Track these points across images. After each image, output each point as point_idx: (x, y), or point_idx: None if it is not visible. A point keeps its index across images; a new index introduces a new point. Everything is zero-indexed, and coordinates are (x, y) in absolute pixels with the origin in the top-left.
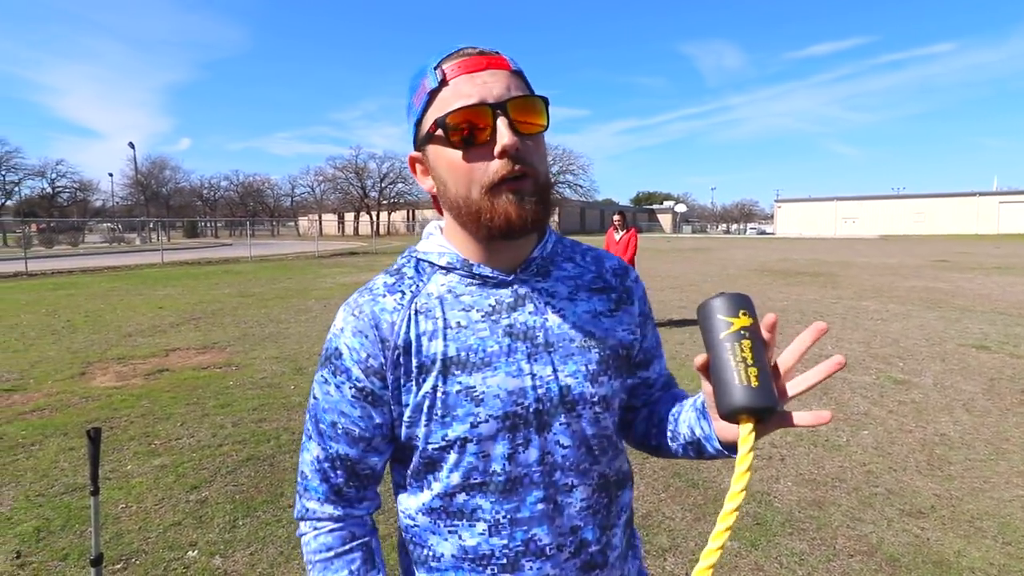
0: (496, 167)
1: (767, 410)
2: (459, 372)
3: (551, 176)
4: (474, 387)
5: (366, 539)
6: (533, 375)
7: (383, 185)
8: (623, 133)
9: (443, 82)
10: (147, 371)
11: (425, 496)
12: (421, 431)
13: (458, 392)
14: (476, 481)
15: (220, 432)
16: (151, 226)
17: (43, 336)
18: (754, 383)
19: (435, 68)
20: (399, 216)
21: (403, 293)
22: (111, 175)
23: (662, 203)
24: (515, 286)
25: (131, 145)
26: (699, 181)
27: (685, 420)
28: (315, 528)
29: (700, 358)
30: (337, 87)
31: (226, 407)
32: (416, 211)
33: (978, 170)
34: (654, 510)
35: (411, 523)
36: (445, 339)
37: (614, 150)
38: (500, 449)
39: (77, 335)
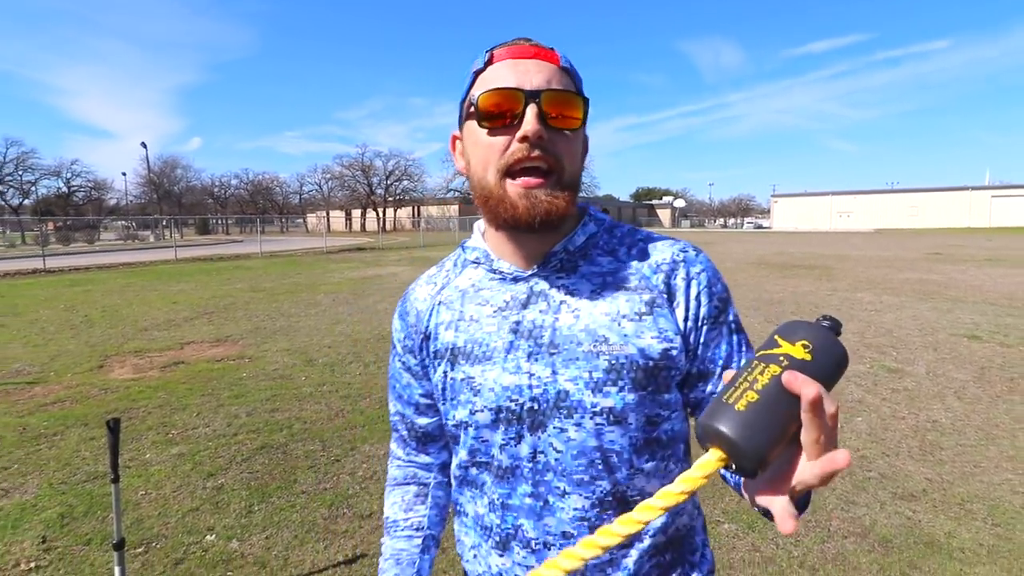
0: (514, 149)
1: (735, 446)
2: (464, 362)
3: (575, 177)
4: (474, 378)
5: (426, 481)
6: (531, 374)
7: (389, 182)
8: (623, 130)
9: (488, 63)
10: (163, 363)
11: (455, 461)
12: (443, 408)
13: (461, 380)
14: (481, 460)
15: (235, 422)
16: (164, 223)
17: (62, 331)
18: (740, 406)
19: (487, 51)
20: (404, 212)
21: (435, 285)
22: (125, 174)
23: (661, 198)
24: (532, 282)
25: (144, 145)
26: (697, 177)
27: None
28: (390, 463)
29: (728, 373)
30: (344, 87)
31: (240, 398)
32: (421, 207)
33: (971, 164)
34: None
35: (454, 481)
36: (457, 330)
37: (614, 147)
38: (496, 438)
39: (95, 329)
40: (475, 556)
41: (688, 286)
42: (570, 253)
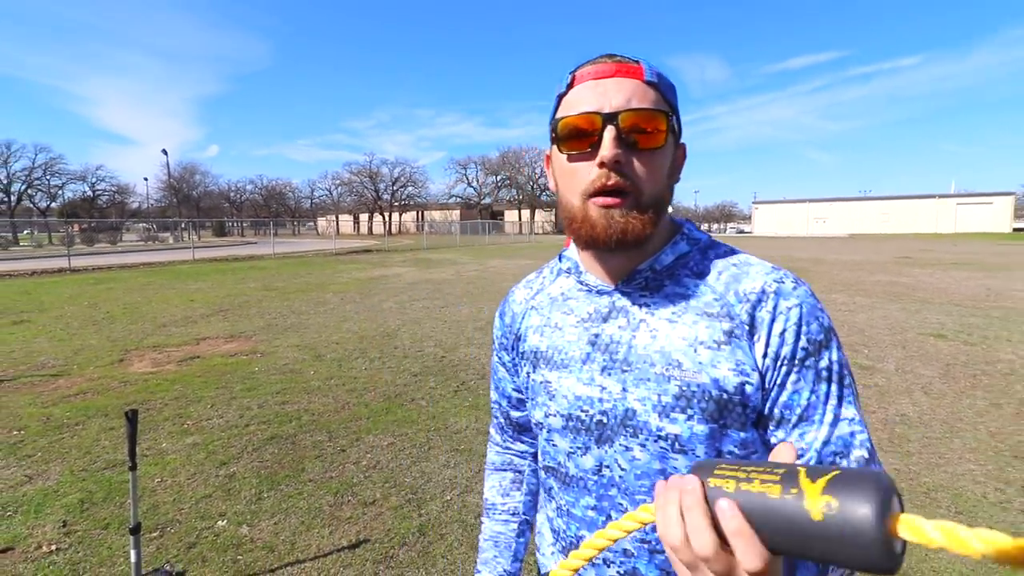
0: (594, 176)
1: None
2: (544, 366)
3: (659, 195)
4: (551, 383)
5: (521, 468)
6: (602, 387)
7: (395, 188)
8: None
9: (570, 86)
10: (180, 358)
11: (538, 462)
12: (527, 406)
13: (540, 383)
14: (549, 464)
15: (246, 413)
16: (183, 226)
17: (85, 326)
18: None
19: (570, 73)
20: (409, 216)
21: (531, 289)
22: (146, 179)
23: None
24: (615, 297)
25: (164, 152)
26: (684, 184)
27: None
28: (489, 446)
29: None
30: (353, 98)
31: (252, 391)
32: (424, 212)
33: (938, 174)
34: None
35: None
36: (542, 335)
37: None
38: (564, 444)
39: (116, 325)
40: (548, 553)
41: (773, 320)
42: (656, 272)
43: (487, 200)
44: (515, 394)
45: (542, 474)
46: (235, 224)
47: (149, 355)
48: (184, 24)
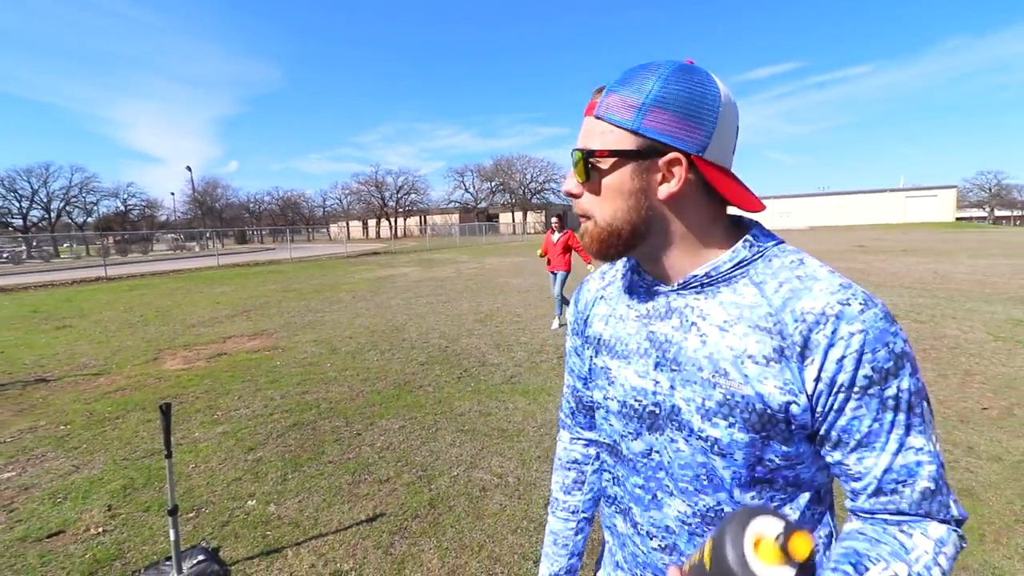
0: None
1: None
2: (606, 353)
3: (621, 215)
4: (610, 369)
5: (584, 468)
6: (656, 381)
7: (399, 196)
8: None
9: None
10: (208, 355)
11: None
12: (590, 385)
13: (601, 368)
14: (605, 440)
15: (270, 403)
16: (207, 235)
17: (122, 329)
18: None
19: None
20: (413, 221)
21: (603, 280)
22: (173, 194)
23: None
24: (671, 297)
25: (188, 168)
26: None
27: None
28: (558, 442)
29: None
30: (359, 115)
31: (275, 383)
32: (426, 216)
33: (889, 171)
34: None
35: None
36: (607, 324)
37: None
38: (618, 426)
39: (150, 327)
40: (604, 514)
41: (831, 346)
42: (711, 277)
43: (483, 204)
44: (586, 376)
45: (601, 447)
46: (255, 232)
47: (180, 353)
48: (207, 52)
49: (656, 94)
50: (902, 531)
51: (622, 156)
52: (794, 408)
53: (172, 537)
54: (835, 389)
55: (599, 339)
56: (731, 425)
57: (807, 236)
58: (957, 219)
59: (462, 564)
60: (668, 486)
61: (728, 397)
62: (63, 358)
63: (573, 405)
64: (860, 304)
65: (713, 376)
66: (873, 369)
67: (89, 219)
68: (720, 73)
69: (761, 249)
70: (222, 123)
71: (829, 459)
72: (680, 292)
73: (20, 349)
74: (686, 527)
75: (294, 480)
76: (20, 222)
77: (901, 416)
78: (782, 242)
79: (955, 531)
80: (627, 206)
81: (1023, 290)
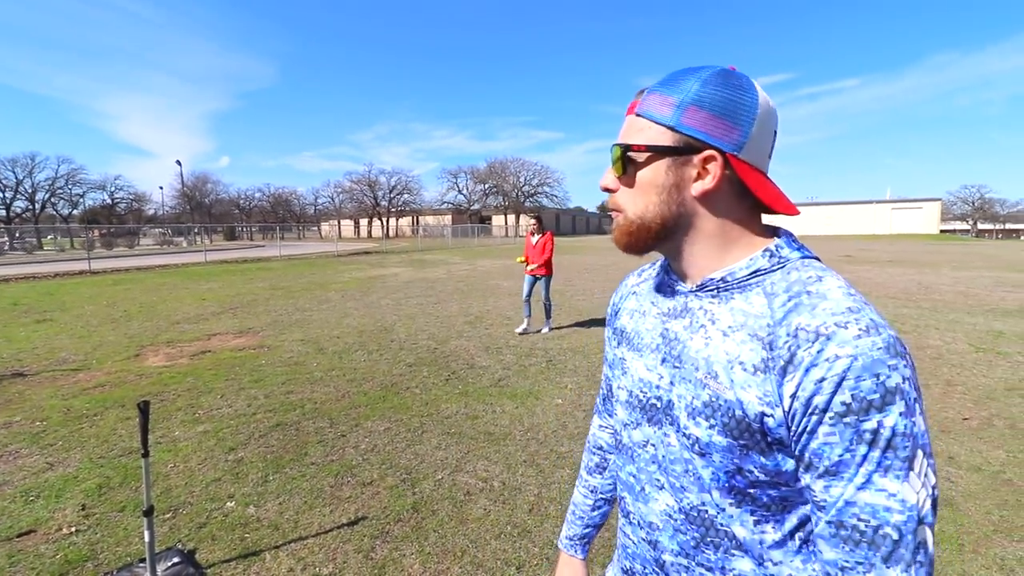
0: None
1: None
2: (626, 345)
3: (653, 211)
4: (626, 360)
5: (608, 455)
6: (660, 376)
7: (392, 195)
8: (591, 152)
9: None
10: (192, 353)
11: None
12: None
13: (619, 358)
14: (616, 427)
15: (254, 403)
16: (196, 231)
17: (104, 324)
18: None
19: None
20: (405, 221)
21: (641, 277)
22: (161, 188)
23: None
24: (688, 298)
25: (178, 163)
26: None
27: None
28: (592, 422)
29: None
30: (354, 114)
31: (259, 382)
32: (419, 217)
33: (876, 182)
34: None
35: None
36: (631, 317)
37: (583, 166)
38: (623, 415)
39: (133, 323)
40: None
41: (813, 365)
42: (727, 283)
43: (476, 206)
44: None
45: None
46: (245, 229)
47: (163, 350)
48: (200, 46)
49: (695, 93)
50: None
51: (658, 151)
52: (769, 421)
53: (147, 538)
54: (809, 410)
55: (622, 331)
56: (712, 427)
57: None
58: (941, 231)
59: (444, 569)
60: (659, 479)
61: (713, 399)
62: (42, 352)
63: (605, 392)
64: (859, 329)
65: (705, 377)
66: (853, 397)
67: (75, 211)
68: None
69: (782, 261)
70: (214, 118)
71: (802, 482)
72: (696, 294)
73: None
74: (671, 522)
75: (275, 481)
76: (3, 213)
77: (876, 453)
78: (813, 257)
79: None
80: (659, 200)
81: (1004, 302)
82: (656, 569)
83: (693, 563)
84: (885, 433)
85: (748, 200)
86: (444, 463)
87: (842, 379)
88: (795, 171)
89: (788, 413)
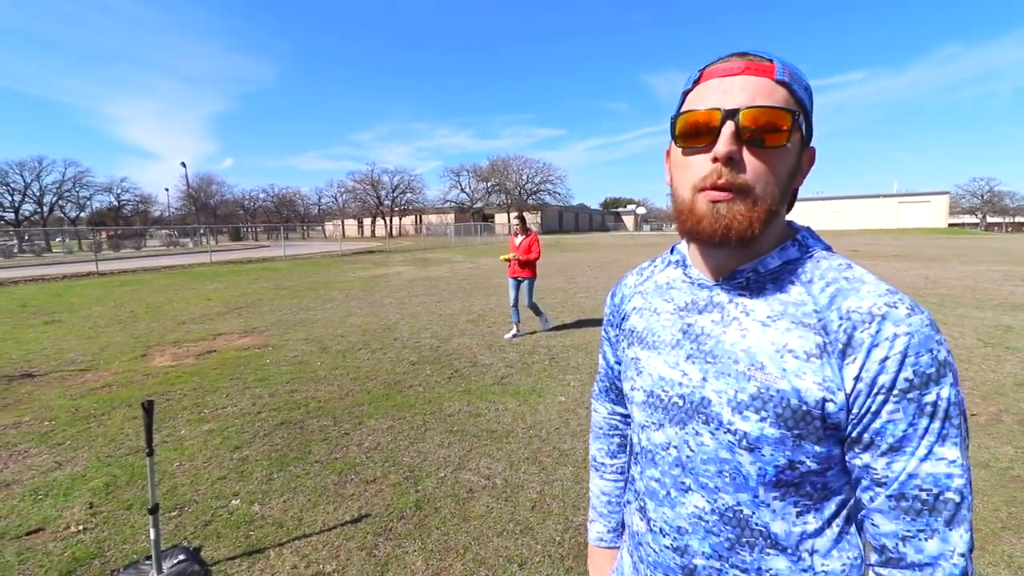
0: (707, 171)
1: None
2: (638, 345)
3: (774, 196)
4: (640, 360)
5: (625, 432)
6: (684, 373)
7: (395, 195)
8: (593, 149)
9: (696, 82)
10: (198, 352)
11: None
12: (622, 376)
13: (631, 359)
14: (633, 431)
15: (258, 401)
16: (201, 232)
17: (111, 325)
18: None
19: (699, 70)
20: (408, 220)
21: (641, 276)
22: (167, 190)
23: (626, 206)
24: (714, 292)
25: (183, 164)
26: (656, 187)
27: None
28: (594, 413)
29: None
30: (356, 114)
31: (264, 381)
32: (422, 216)
33: (882, 176)
34: None
35: None
36: (641, 316)
37: (585, 163)
38: (640, 417)
39: (140, 323)
40: (627, 512)
41: (875, 346)
42: (759, 274)
43: (479, 204)
44: (616, 366)
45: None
46: (249, 229)
47: (170, 350)
48: (201, 49)
49: (808, 86)
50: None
51: (803, 132)
52: (830, 406)
53: (152, 536)
54: (875, 390)
55: (633, 331)
56: (763, 419)
57: None
58: (950, 225)
59: (446, 566)
60: (684, 482)
61: (762, 391)
62: (50, 353)
63: (607, 384)
64: (907, 308)
65: (748, 369)
66: (915, 373)
67: (82, 214)
68: None
69: (810, 251)
70: (217, 120)
71: (857, 462)
72: (724, 287)
73: (7, 343)
74: (702, 524)
75: (279, 480)
76: (12, 216)
77: (936, 424)
78: (830, 248)
79: None
80: (786, 185)
81: (1013, 296)
82: (681, 570)
83: (727, 565)
84: (943, 405)
85: None
86: (447, 461)
87: (904, 357)
88: None
89: (851, 396)
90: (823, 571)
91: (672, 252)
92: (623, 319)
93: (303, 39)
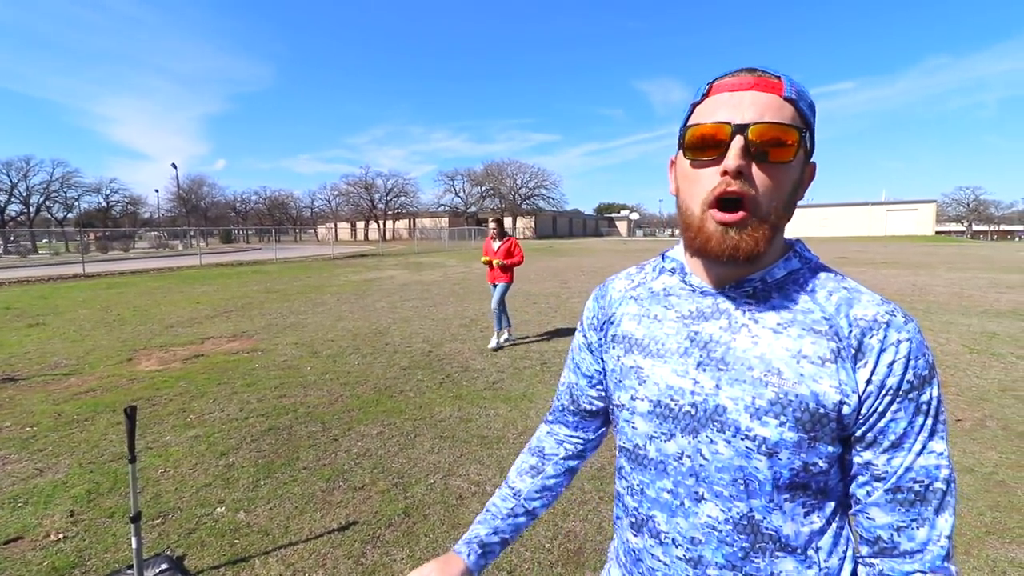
0: (715, 184)
1: None
2: (637, 352)
3: (779, 211)
4: (642, 368)
5: (546, 459)
6: (696, 381)
7: (388, 198)
8: (587, 155)
9: (706, 95)
10: (185, 356)
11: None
12: (609, 387)
13: (630, 367)
14: (625, 444)
15: (246, 407)
16: (192, 234)
17: (97, 328)
18: None
19: (708, 83)
20: (402, 224)
21: (632, 281)
22: (157, 191)
23: (619, 212)
24: (720, 299)
25: (174, 166)
26: (649, 194)
27: None
28: (540, 426)
29: None
30: (351, 117)
31: (252, 386)
32: (416, 219)
33: (871, 184)
34: None
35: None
36: (639, 323)
37: (580, 169)
38: (645, 427)
39: (126, 327)
40: (619, 526)
41: (883, 351)
42: (766, 284)
43: (473, 208)
44: (596, 375)
45: (617, 452)
46: (241, 232)
47: (156, 354)
48: (195, 49)
49: (812, 103)
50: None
51: (807, 148)
52: (845, 408)
53: (134, 545)
54: (883, 392)
55: (629, 338)
56: (782, 424)
57: None
58: (936, 233)
59: None
60: (698, 492)
61: (781, 396)
62: (34, 357)
63: (566, 403)
64: (903, 317)
65: (765, 375)
66: (915, 375)
67: (70, 215)
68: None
69: (808, 261)
70: (210, 121)
71: (858, 459)
72: (729, 295)
73: None
74: (716, 534)
75: (266, 487)
76: None
77: (929, 421)
78: (819, 260)
79: None
80: (791, 200)
81: (998, 304)
82: None
83: (740, 574)
84: (934, 403)
85: None
86: (437, 467)
87: (908, 360)
88: None
89: (862, 397)
90: (826, 568)
91: (664, 259)
92: (609, 323)
93: (299, 41)
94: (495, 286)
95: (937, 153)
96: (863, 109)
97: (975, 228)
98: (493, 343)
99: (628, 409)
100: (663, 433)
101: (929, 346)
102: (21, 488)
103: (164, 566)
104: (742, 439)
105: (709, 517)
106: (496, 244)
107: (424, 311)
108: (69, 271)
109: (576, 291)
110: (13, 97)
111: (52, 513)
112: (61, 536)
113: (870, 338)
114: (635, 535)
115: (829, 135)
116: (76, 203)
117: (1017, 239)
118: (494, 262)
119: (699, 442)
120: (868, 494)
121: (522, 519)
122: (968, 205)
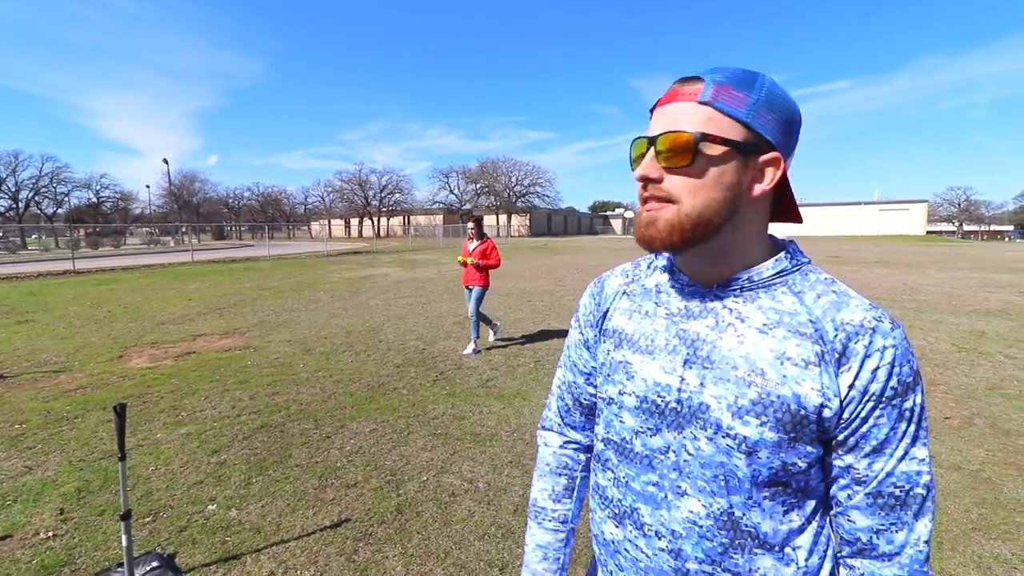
0: (639, 189)
1: None
2: (627, 348)
3: (706, 208)
4: (631, 364)
5: (575, 475)
6: (682, 378)
7: (383, 195)
8: (582, 152)
9: (652, 111)
10: (177, 354)
11: (596, 434)
12: (599, 381)
13: (619, 362)
14: (611, 436)
15: (238, 404)
16: (183, 230)
17: (87, 325)
18: None
19: (656, 100)
20: (396, 221)
21: (627, 277)
22: (148, 187)
23: (614, 210)
24: (708, 298)
25: (165, 161)
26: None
27: None
28: (543, 447)
29: None
30: (346, 113)
31: (244, 383)
32: (410, 216)
33: (864, 184)
34: None
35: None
36: (630, 319)
37: (575, 167)
38: (632, 422)
39: (117, 324)
40: (594, 520)
41: (867, 356)
42: (753, 282)
43: (468, 206)
44: (592, 371)
45: (599, 445)
46: (233, 228)
47: (147, 351)
48: (188, 43)
49: (767, 94)
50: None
51: (734, 146)
52: (826, 411)
53: (124, 543)
54: (866, 397)
55: (620, 333)
56: (763, 424)
57: None
58: (928, 232)
59: (427, 571)
60: (681, 486)
61: (763, 396)
62: (23, 354)
63: (568, 403)
64: (890, 323)
65: (748, 375)
66: (899, 382)
67: (59, 210)
68: None
69: (799, 263)
70: (202, 116)
71: (839, 462)
72: (717, 294)
73: None
74: (696, 529)
75: (258, 484)
76: None
77: (912, 427)
78: (811, 262)
79: None
80: (722, 197)
81: (987, 303)
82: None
83: (719, 569)
84: (917, 410)
85: (774, 205)
86: (430, 464)
87: (892, 367)
88: None
89: (844, 401)
90: (805, 567)
91: (658, 257)
92: (604, 318)
93: (294, 37)
94: (470, 290)
95: (930, 153)
96: (857, 109)
97: (966, 228)
98: (469, 349)
99: (616, 403)
100: (649, 428)
101: (915, 352)
102: (10, 486)
103: (155, 564)
104: (723, 437)
105: (690, 512)
106: (473, 245)
107: (418, 308)
108: (59, 267)
109: (570, 289)
110: (0, 90)
111: (42, 511)
112: (51, 534)
113: (855, 343)
114: (617, 526)
115: (826, 134)
116: (66, 198)
117: (1007, 239)
118: (469, 261)
119: (684, 438)
120: (849, 497)
121: (572, 540)
122: (959, 205)
